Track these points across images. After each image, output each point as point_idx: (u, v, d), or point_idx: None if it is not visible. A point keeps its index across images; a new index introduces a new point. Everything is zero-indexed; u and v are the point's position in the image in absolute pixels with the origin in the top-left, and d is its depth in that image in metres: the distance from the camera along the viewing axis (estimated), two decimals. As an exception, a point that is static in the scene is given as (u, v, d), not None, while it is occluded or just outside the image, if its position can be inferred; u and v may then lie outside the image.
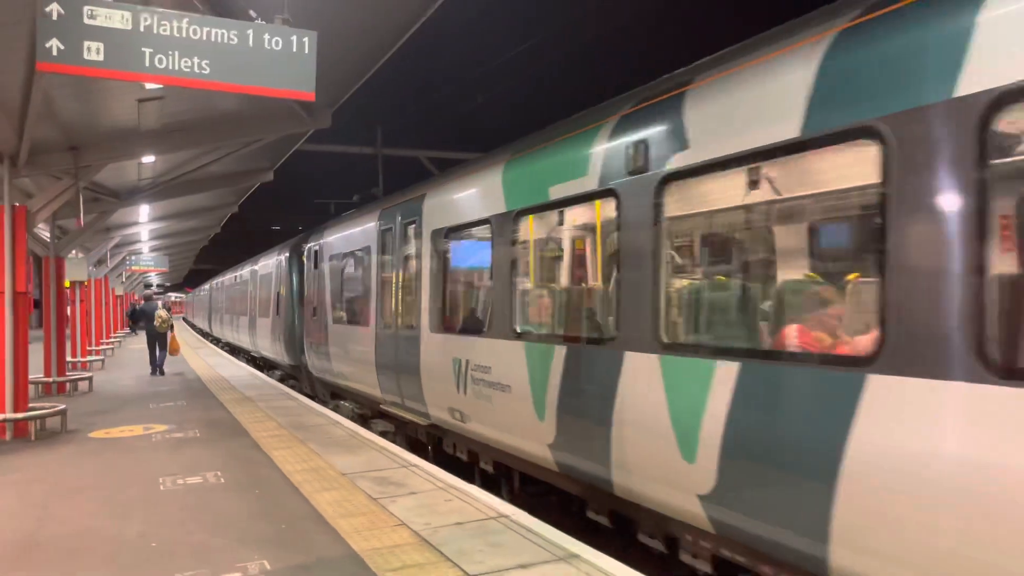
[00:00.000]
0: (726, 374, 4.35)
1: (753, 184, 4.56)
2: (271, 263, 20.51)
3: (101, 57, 4.31)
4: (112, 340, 29.81)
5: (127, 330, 39.28)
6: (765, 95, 4.26)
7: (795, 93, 4.04)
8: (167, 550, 5.30)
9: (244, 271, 26.90)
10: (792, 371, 4.03)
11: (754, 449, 4.20)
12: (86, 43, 4.29)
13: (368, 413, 11.86)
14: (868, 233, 3.84)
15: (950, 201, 3.29)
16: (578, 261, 6.79)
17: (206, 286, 48.54)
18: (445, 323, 8.54)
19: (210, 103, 10.20)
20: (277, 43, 4.90)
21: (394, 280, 10.28)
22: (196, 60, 4.59)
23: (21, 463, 8.40)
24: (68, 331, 17.88)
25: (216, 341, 36.96)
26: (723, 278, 5.22)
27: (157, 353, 18.37)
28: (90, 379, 15.26)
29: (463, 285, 8.70)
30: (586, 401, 5.73)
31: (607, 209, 5.68)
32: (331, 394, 14.45)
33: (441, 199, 8.76)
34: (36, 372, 12.97)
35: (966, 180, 3.22)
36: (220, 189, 17.31)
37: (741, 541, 4.45)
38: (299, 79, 4.91)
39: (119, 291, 36.24)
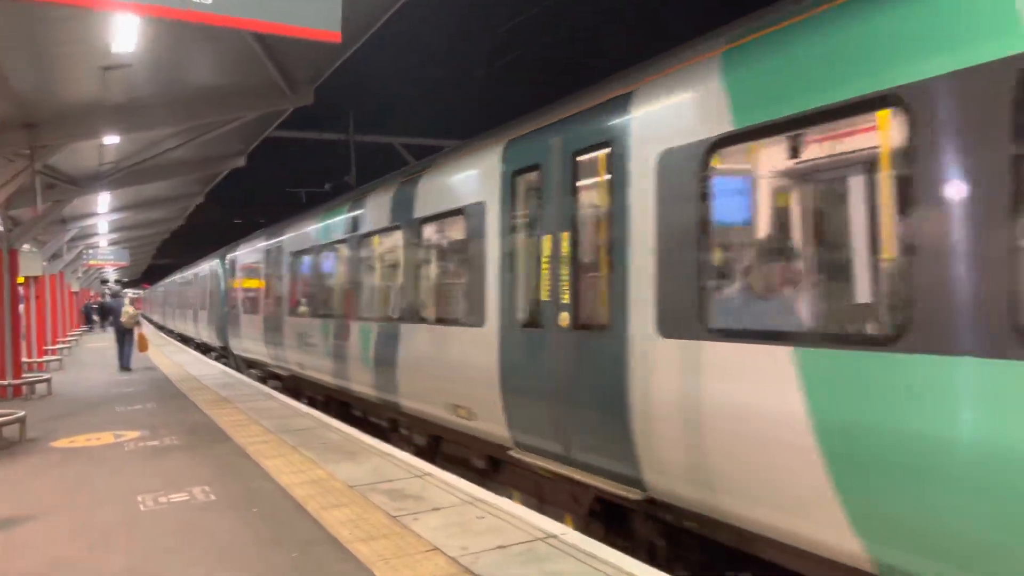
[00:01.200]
0: (375, 328, 9.54)
1: (402, 239, 9.08)
2: (207, 268, 25.84)
3: (74, -22, 3.39)
4: (69, 339, 28.35)
5: (85, 327, 37.76)
6: (414, 195, 8.86)
7: (412, 199, 8.79)
8: (159, 589, 4.42)
9: (188, 273, 32.29)
10: (387, 325, 9.13)
11: (380, 357, 9.24)
12: (55, -41, 3.36)
13: (265, 376, 17.06)
14: (428, 264, 8.60)
15: (477, 250, 7.24)
16: (347, 274, 11.07)
17: (160, 285, 52.93)
18: (295, 310, 13.68)
19: (183, 75, 9.20)
20: (294, -32, 3.98)
21: (273, 283, 15.64)
22: (194, -13, 3.69)
23: (-26, 480, 7.39)
24: (23, 330, 16.65)
25: (169, 333, 39.86)
26: (388, 283, 9.48)
27: (124, 348, 18.12)
28: (48, 381, 14.05)
29: (305, 287, 13.43)
30: (342, 348, 10.76)
31: (358, 247, 10.57)
32: (247, 365, 19.32)
33: (295, 231, 14.09)
34: (-11, 375, 11.83)
35: (487, 243, 7.09)
36: (188, 176, 16.19)
37: (383, 404, 9.53)
38: (321, 15, 3.98)
39: (75, 287, 34.62)
